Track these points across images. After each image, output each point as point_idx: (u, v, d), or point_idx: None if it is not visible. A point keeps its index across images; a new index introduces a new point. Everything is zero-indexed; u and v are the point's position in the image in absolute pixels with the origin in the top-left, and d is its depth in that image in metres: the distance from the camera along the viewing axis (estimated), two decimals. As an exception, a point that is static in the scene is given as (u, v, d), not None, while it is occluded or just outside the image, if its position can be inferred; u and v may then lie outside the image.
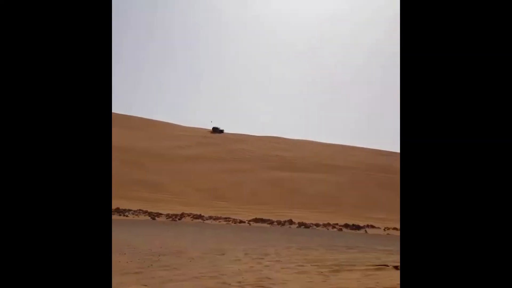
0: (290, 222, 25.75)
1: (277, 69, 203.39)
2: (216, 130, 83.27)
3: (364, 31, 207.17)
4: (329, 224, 25.61)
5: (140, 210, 26.75)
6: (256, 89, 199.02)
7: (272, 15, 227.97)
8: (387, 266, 8.05)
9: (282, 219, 26.22)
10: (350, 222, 26.29)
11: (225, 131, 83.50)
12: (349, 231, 23.86)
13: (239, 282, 5.73)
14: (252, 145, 66.29)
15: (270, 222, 25.51)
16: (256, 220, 25.76)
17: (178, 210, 28.29)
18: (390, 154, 64.36)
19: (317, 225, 25.30)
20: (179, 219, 25.04)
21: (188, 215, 26.41)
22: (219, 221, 25.16)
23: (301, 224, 25.06)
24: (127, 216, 24.69)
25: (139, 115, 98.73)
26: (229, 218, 26.23)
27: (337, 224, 25.62)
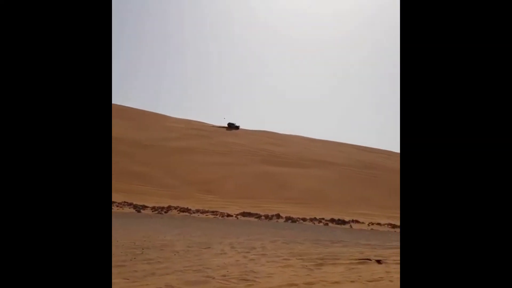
0: (278, 216, 25.87)
1: (274, 66, 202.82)
2: (231, 126, 77.17)
3: (365, 30, 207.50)
4: (315, 218, 25.80)
5: (125, 202, 26.51)
6: (253, 85, 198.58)
7: (274, 12, 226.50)
8: (370, 260, 8.16)
9: (270, 213, 26.33)
10: (336, 217, 26.53)
11: (221, 124, 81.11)
12: (335, 225, 24.09)
13: (224, 275, 5.73)
14: (244, 138, 66.18)
15: (258, 216, 25.59)
16: (244, 214, 25.81)
17: (165, 202, 28.16)
18: (376, 151, 65.00)
19: (304, 219, 25.47)
20: (165, 212, 24.93)
21: (175, 208, 26.30)
22: (207, 215, 25.14)
23: (288, 219, 25.20)
24: (113, 208, 24.46)
25: (134, 106, 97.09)
26: (216, 211, 26.22)
27: (323, 218, 25.83)
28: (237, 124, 79.57)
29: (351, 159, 56.17)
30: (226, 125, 79.49)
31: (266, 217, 25.49)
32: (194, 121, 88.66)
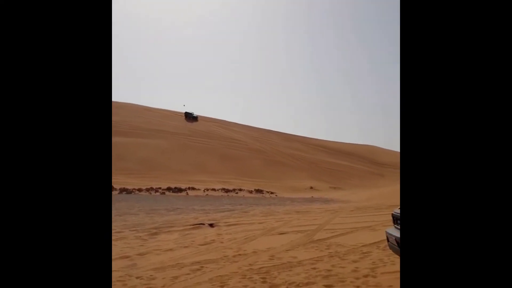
0: (111, 188, 24.52)
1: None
2: (189, 116, 64.77)
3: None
4: (152, 188, 25.53)
5: None
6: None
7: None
8: (203, 224, 8.63)
9: (102, 186, 24.69)
10: (173, 186, 26.85)
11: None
12: (172, 194, 24.37)
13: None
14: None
15: (88, 190, 23.67)
16: (71, 189, 23.47)
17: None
18: (209, 120, 67.56)
19: (139, 190, 24.86)
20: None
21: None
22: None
23: (123, 190, 24.18)
24: None
25: None
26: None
27: (160, 188, 25.77)
28: (195, 115, 65.80)
29: (186, 128, 57.06)
30: (184, 115, 65.47)
31: (98, 190, 23.81)
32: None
